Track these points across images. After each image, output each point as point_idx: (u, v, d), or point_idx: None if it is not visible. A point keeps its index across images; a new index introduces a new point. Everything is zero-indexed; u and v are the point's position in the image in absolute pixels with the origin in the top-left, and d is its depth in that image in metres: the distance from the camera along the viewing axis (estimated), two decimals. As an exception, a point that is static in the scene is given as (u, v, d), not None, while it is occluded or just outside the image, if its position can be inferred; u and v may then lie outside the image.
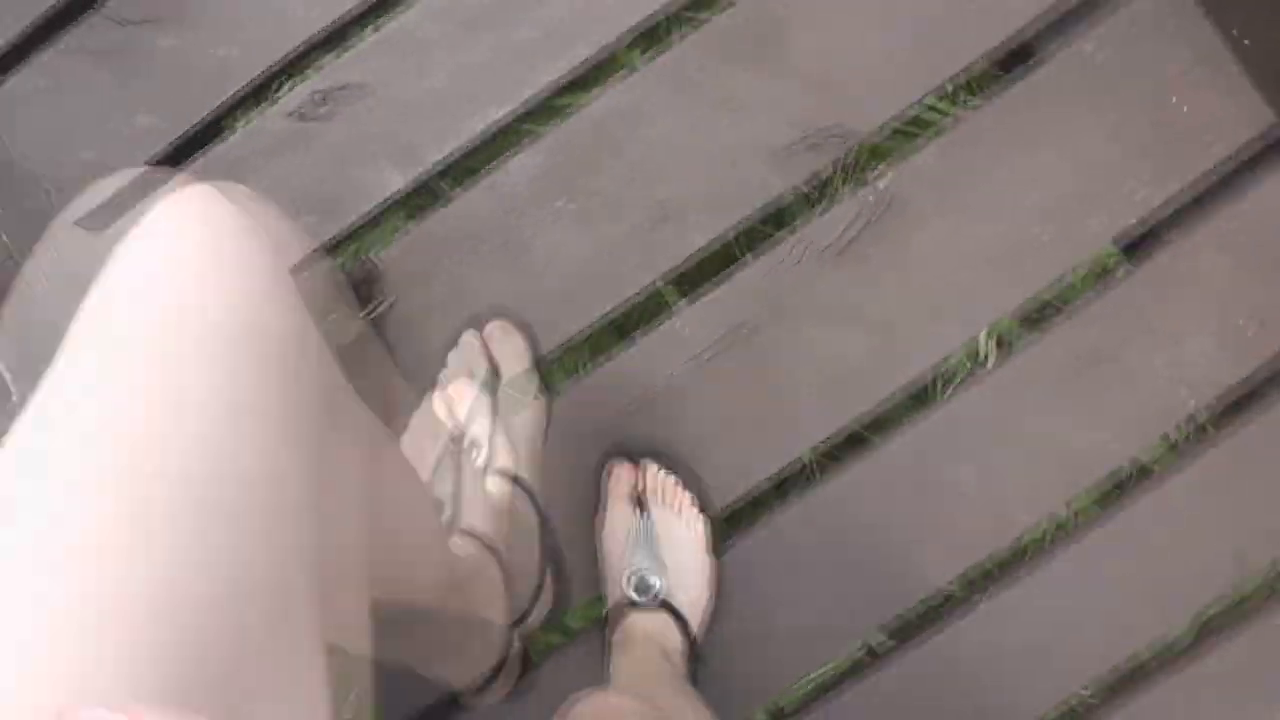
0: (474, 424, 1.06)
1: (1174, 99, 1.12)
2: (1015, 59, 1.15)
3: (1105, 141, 1.12)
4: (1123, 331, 1.12)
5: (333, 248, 1.22)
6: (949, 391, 1.14)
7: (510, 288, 1.17)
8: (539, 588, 1.07)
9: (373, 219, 1.21)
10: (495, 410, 1.06)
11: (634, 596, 1.09)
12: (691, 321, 1.16)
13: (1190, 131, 1.11)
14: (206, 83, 1.22)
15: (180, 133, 1.23)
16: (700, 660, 1.10)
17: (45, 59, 1.25)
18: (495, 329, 1.12)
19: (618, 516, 1.12)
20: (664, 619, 1.08)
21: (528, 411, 1.08)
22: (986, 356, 1.14)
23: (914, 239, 1.14)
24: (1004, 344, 1.14)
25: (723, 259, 1.17)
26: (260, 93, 1.23)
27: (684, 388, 1.16)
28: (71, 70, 1.25)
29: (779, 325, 1.15)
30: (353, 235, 1.22)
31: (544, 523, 1.07)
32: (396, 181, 1.19)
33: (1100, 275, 1.13)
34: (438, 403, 1.07)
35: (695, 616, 1.10)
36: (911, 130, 1.15)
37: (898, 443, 1.14)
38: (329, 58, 1.22)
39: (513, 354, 1.11)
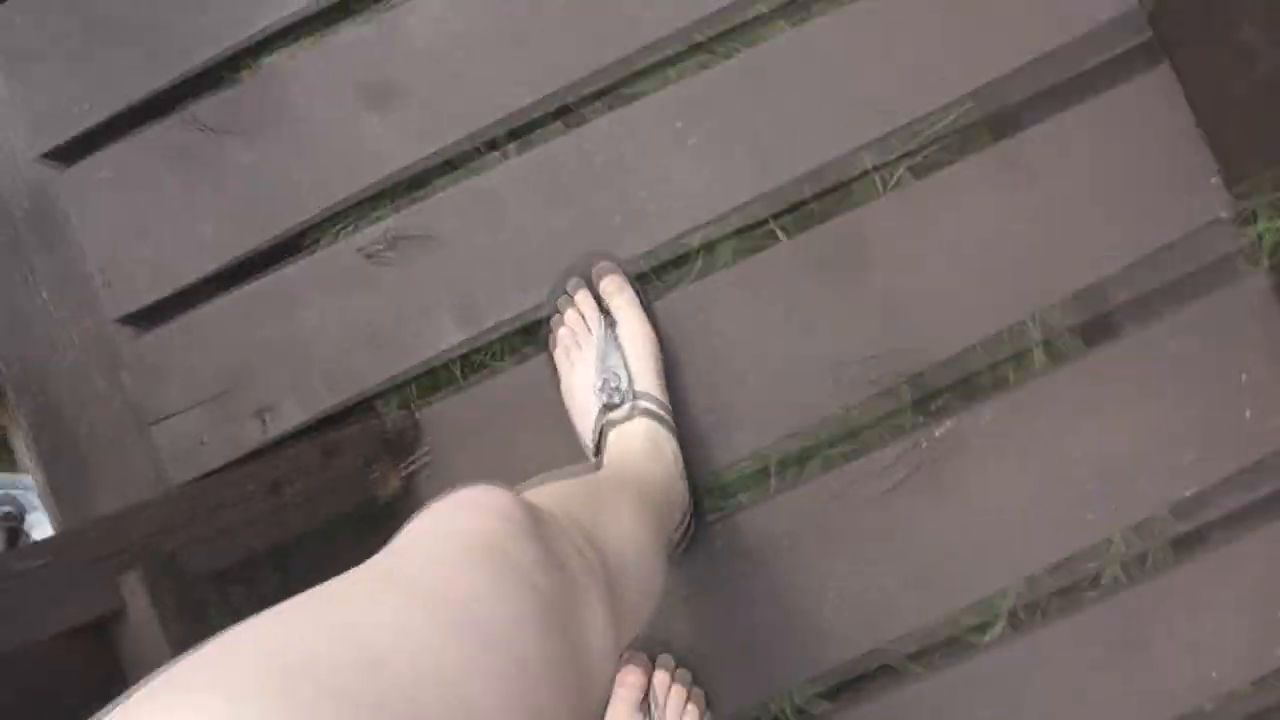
0: (609, 362, 1.10)
1: (1241, 395, 1.11)
2: (1091, 324, 1.14)
3: (1165, 426, 1.11)
4: (1159, 607, 1.11)
5: (378, 394, 1.20)
6: (975, 641, 1.13)
7: (552, 463, 1.15)
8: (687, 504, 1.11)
9: (423, 370, 1.19)
10: (619, 348, 1.11)
11: None
12: (731, 528, 1.15)
13: (1253, 429, 1.11)
14: (278, 204, 1.21)
15: (244, 250, 1.21)
16: None
17: (121, 150, 1.24)
18: (607, 277, 1.14)
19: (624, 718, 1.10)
20: None
21: (647, 343, 1.12)
22: (1018, 613, 1.13)
23: (964, 483, 1.13)
24: (1038, 604, 1.13)
25: (768, 470, 1.16)
26: (331, 224, 1.22)
27: (713, 591, 1.15)
28: (145, 167, 1.23)
29: (818, 546, 1.14)
30: (400, 384, 1.20)
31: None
32: (453, 336, 1.18)
33: (1142, 556, 1.12)
34: (572, 320, 1.14)
35: None
36: (978, 376, 1.14)
37: (913, 686, 1.13)
38: (406, 200, 1.20)
39: (622, 295, 1.14)
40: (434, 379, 1.21)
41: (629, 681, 1.11)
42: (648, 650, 1.14)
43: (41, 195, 1.37)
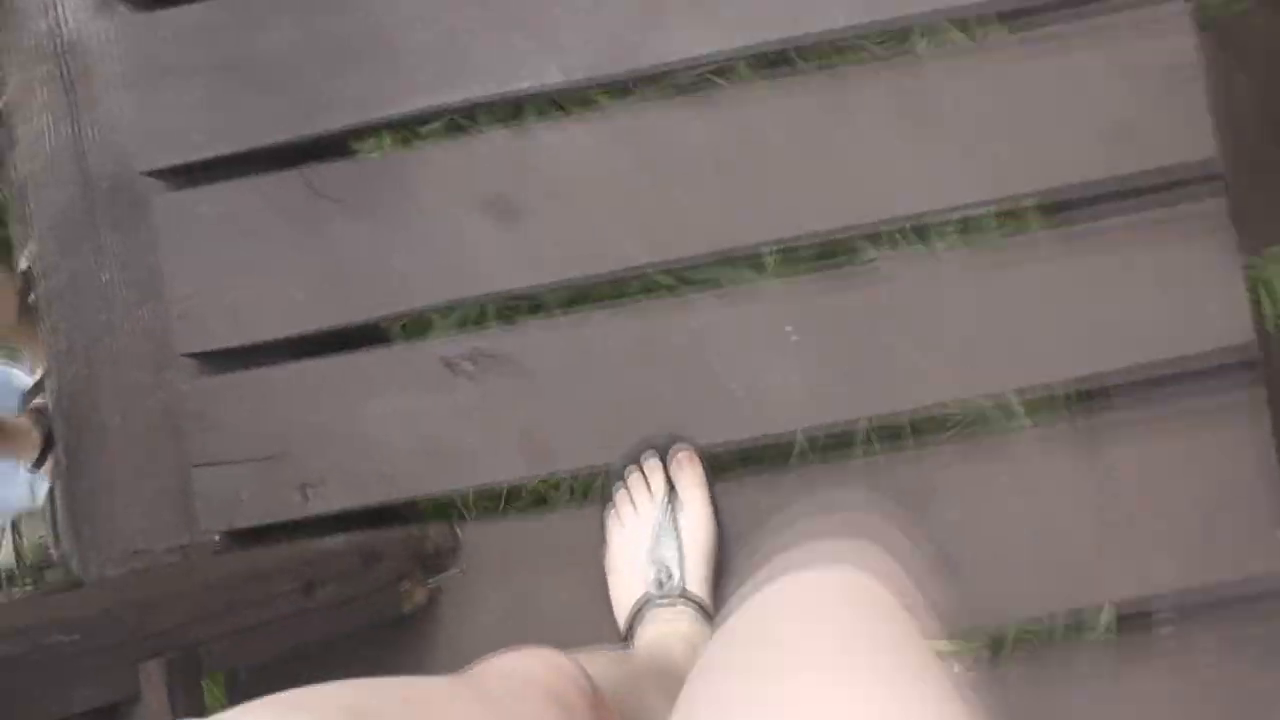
0: (662, 548, 1.10)
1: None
2: (1129, 622, 1.15)
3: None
4: None
5: (425, 501, 1.20)
6: None
7: (575, 620, 1.16)
8: None
9: (476, 492, 1.19)
10: (677, 536, 1.11)
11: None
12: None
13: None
14: (373, 289, 1.19)
15: (328, 324, 1.20)
16: None
17: (228, 191, 1.22)
18: (683, 458, 1.13)
19: None
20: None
21: (706, 539, 1.12)
22: None
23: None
24: None
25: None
26: (420, 323, 1.21)
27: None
28: (249, 214, 1.21)
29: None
30: (449, 498, 1.19)
31: None
32: (514, 468, 1.17)
33: None
34: (636, 488, 1.13)
35: None
36: (1008, 646, 1.15)
37: None
38: (500, 321, 1.20)
39: (694, 481, 1.13)
40: (483, 502, 1.20)
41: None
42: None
43: (129, 180, 1.35)
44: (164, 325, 1.29)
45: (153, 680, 0.92)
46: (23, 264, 1.79)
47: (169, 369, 1.33)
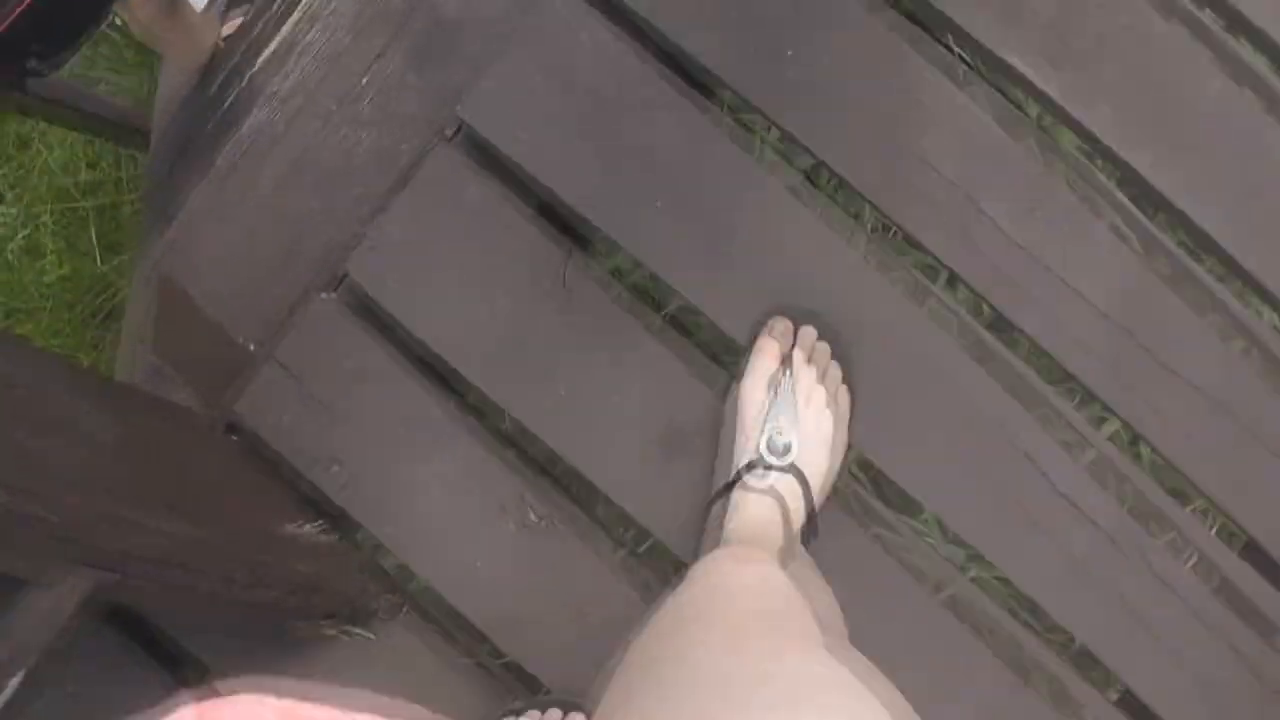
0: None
1: None
2: None
3: None
4: None
5: (408, 573, 1.18)
6: None
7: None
8: None
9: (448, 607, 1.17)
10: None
11: (769, 458, 1.03)
12: None
13: None
14: (528, 388, 1.15)
15: (471, 378, 1.16)
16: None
17: (500, 203, 1.15)
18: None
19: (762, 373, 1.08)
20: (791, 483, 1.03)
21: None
22: None
23: None
24: None
25: None
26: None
27: None
28: (500, 236, 1.15)
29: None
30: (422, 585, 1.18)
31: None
32: (494, 628, 1.14)
33: None
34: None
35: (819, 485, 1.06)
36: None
37: None
38: (596, 504, 1.16)
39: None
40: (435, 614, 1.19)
41: (766, 350, 1.09)
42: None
43: (453, 37, 1.26)
44: (363, 203, 1.22)
45: (73, 587, 0.91)
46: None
47: (335, 247, 1.25)
